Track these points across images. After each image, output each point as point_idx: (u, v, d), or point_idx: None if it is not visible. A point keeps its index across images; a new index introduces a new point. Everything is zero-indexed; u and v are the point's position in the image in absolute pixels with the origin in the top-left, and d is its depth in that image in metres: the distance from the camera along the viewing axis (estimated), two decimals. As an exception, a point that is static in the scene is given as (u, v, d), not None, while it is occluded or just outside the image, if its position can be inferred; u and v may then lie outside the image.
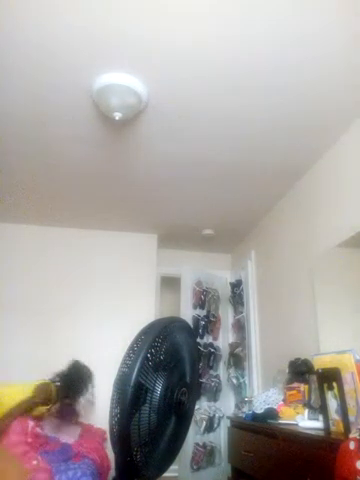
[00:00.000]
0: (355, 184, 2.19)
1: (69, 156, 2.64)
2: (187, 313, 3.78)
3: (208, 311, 4.03)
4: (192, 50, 1.78)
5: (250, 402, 2.92)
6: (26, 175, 2.88)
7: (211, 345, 3.94)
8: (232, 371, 3.80)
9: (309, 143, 2.46)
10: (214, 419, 3.75)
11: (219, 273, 4.31)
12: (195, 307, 3.94)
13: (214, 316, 4.06)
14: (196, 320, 3.87)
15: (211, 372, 3.86)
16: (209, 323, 3.99)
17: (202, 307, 4.01)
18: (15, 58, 1.83)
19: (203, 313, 4.00)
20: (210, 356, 3.87)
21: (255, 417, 2.28)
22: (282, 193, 3.10)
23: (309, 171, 2.74)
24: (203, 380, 3.71)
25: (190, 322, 3.71)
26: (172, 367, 1.49)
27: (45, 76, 1.94)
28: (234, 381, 3.74)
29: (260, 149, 2.54)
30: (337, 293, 2.31)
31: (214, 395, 3.79)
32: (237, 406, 3.59)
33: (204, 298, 4.04)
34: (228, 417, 2.92)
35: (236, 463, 2.46)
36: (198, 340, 3.78)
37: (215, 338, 4.03)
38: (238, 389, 3.73)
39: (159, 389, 1.39)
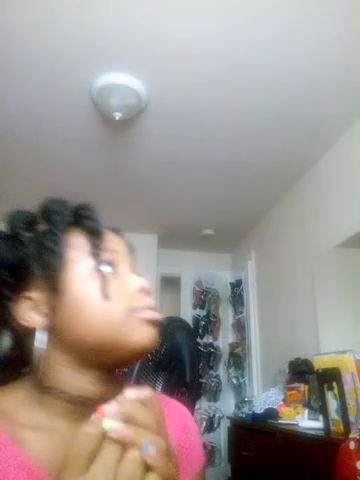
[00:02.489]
0: (355, 184, 2.19)
1: (69, 156, 2.64)
2: (187, 313, 3.77)
3: (208, 311, 4.03)
4: (192, 51, 1.78)
5: (250, 402, 2.92)
6: (26, 175, 2.88)
7: (211, 345, 3.94)
8: (232, 371, 3.80)
9: (309, 143, 2.45)
10: (214, 419, 3.75)
11: (219, 273, 4.31)
12: (195, 307, 3.94)
13: (214, 316, 4.07)
14: (196, 320, 3.87)
15: (211, 372, 3.86)
16: (209, 323, 3.99)
17: (202, 307, 4.01)
18: (15, 59, 1.83)
19: (203, 313, 4.00)
20: (210, 356, 3.87)
21: (255, 417, 2.28)
22: (282, 193, 3.10)
23: (309, 171, 2.74)
24: (203, 380, 3.71)
25: (190, 322, 3.71)
26: (172, 367, 1.49)
27: (45, 76, 1.94)
28: (234, 381, 3.74)
29: (260, 149, 2.54)
30: (337, 293, 2.31)
31: (214, 395, 3.79)
32: (237, 406, 3.59)
33: (204, 298, 4.04)
34: (228, 417, 2.93)
35: (236, 463, 2.46)
36: (198, 340, 3.78)
37: (215, 338, 4.04)
38: (238, 389, 3.73)
39: (159, 389, 1.39)
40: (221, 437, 3.79)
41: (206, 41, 1.74)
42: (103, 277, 0.52)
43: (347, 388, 1.57)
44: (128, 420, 0.38)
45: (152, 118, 2.24)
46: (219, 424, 3.79)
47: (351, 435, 1.23)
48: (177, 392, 1.46)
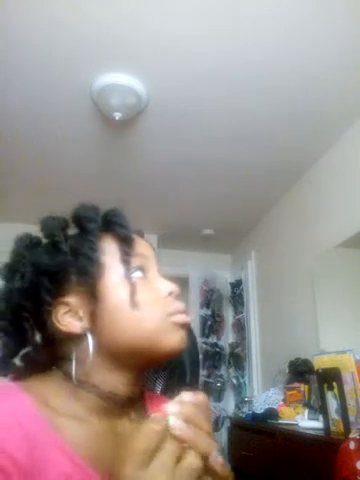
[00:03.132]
0: (356, 184, 2.19)
1: (69, 156, 2.64)
2: (195, 313, 3.80)
3: (213, 310, 4.05)
4: (192, 50, 1.78)
5: (250, 402, 2.92)
6: (26, 175, 2.88)
7: (216, 345, 3.95)
8: (232, 371, 3.80)
9: (310, 143, 2.45)
10: (219, 419, 3.73)
11: (219, 273, 4.31)
12: (202, 306, 3.96)
13: (219, 315, 4.08)
14: (203, 320, 3.89)
15: (216, 372, 3.86)
16: (214, 323, 4.01)
17: (208, 306, 4.04)
18: (15, 59, 1.83)
19: (209, 313, 4.02)
20: (215, 356, 3.88)
21: (255, 417, 2.29)
22: (282, 193, 3.10)
23: (309, 171, 2.74)
24: (210, 380, 3.72)
25: (198, 322, 3.74)
26: (172, 367, 1.49)
27: (45, 76, 1.94)
28: (234, 381, 3.74)
29: (260, 149, 2.54)
30: (337, 293, 2.31)
31: (219, 395, 3.79)
32: (237, 406, 3.59)
33: (210, 297, 4.06)
34: (228, 417, 2.92)
35: (236, 463, 2.46)
36: (205, 339, 3.82)
37: (219, 338, 4.05)
38: (238, 389, 3.73)
39: (159, 389, 1.39)
40: (222, 437, 3.78)
41: (206, 40, 1.74)
42: (133, 286, 0.54)
43: (347, 388, 1.57)
44: (187, 421, 0.39)
45: (152, 118, 2.24)
46: (223, 424, 3.78)
47: (351, 435, 1.23)
48: (177, 393, 1.46)
